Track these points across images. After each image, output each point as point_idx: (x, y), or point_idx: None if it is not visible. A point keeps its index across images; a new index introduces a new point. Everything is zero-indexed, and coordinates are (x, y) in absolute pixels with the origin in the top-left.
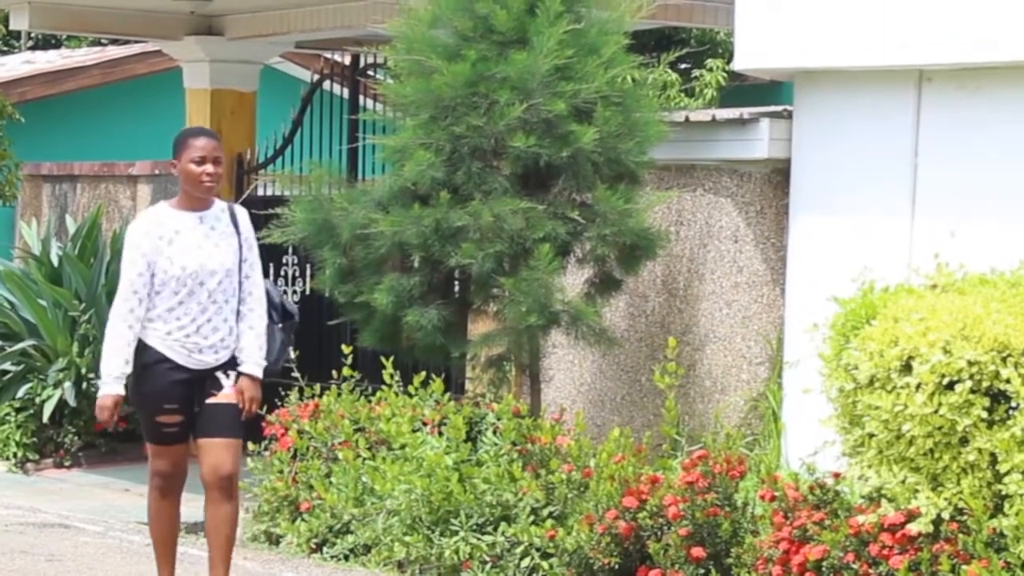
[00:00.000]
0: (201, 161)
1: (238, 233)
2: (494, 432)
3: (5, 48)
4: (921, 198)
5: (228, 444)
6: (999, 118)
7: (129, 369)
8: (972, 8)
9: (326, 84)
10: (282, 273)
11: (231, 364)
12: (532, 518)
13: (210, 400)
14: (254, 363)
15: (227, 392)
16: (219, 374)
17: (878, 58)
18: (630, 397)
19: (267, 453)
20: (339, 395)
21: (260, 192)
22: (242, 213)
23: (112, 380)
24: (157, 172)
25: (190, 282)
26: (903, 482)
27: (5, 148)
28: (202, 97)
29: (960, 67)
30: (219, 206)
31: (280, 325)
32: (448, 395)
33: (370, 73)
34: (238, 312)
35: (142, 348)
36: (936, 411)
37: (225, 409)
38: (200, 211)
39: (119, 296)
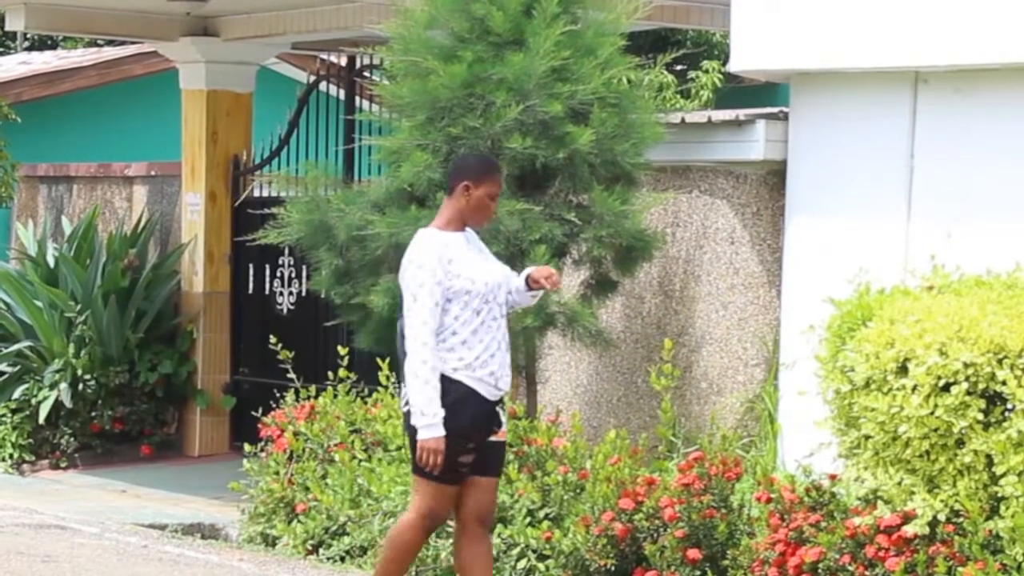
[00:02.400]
0: (495, 198)
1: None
2: None
3: (1, 49)
4: (917, 200)
5: (496, 484)
6: (995, 120)
7: (443, 410)
8: (968, 10)
9: (322, 85)
10: (278, 274)
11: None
12: (528, 520)
13: (493, 438)
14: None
15: (503, 429)
16: (499, 409)
17: (874, 60)
18: (626, 399)
19: (263, 455)
20: (335, 396)
21: (256, 193)
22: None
23: (438, 422)
24: (153, 173)
25: (490, 297)
26: (899, 484)
27: (1, 149)
28: (198, 98)
29: (956, 69)
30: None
31: None
32: None
33: (366, 74)
34: None
35: (448, 382)
36: (932, 413)
37: (501, 448)
38: (464, 232)
39: (420, 330)
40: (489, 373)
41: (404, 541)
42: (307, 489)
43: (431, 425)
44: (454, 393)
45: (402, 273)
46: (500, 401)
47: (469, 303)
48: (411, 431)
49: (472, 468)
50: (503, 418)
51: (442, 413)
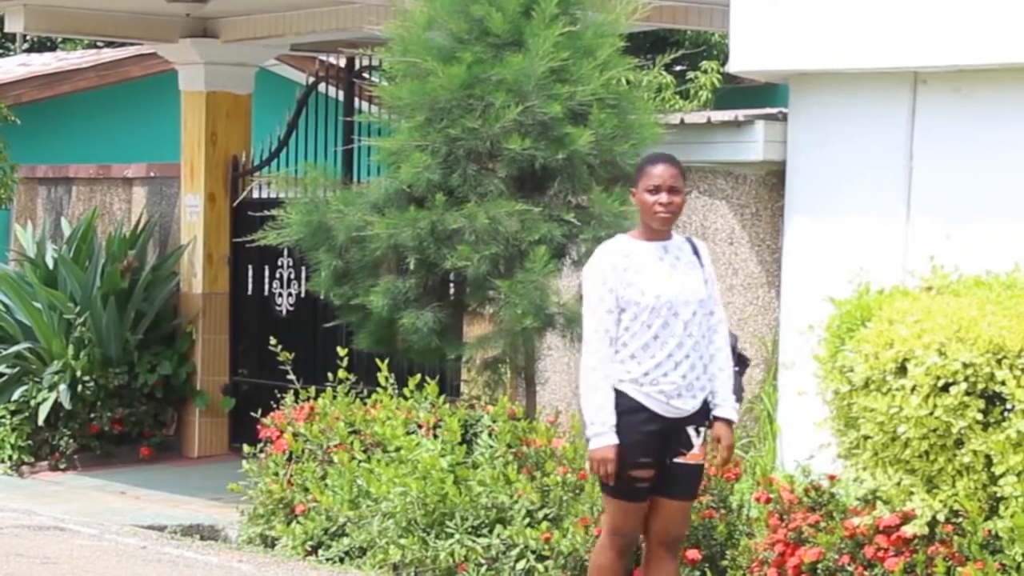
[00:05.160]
0: (655, 190)
1: (701, 266)
2: (489, 434)
3: (1, 51)
4: (916, 200)
5: (686, 507)
6: (994, 120)
7: (615, 417)
8: (966, 10)
9: (321, 86)
10: (277, 275)
11: (702, 414)
12: (527, 520)
13: (679, 459)
14: (731, 407)
15: (695, 452)
16: (690, 429)
17: (873, 60)
18: None
19: (263, 456)
20: (334, 397)
21: (255, 194)
22: (703, 247)
23: (607, 430)
24: (152, 175)
25: (665, 312)
26: (898, 484)
27: (0, 151)
28: (197, 99)
29: (955, 69)
30: (679, 238)
31: (736, 369)
32: (443, 397)
33: (365, 75)
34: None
35: (615, 394)
36: (931, 413)
37: (692, 471)
38: (663, 241)
39: (591, 338)
40: (659, 391)
41: (598, 564)
42: (306, 490)
43: (600, 434)
44: (621, 405)
45: (582, 276)
46: (692, 421)
47: (638, 315)
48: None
49: (657, 488)
50: (695, 440)
51: (612, 421)
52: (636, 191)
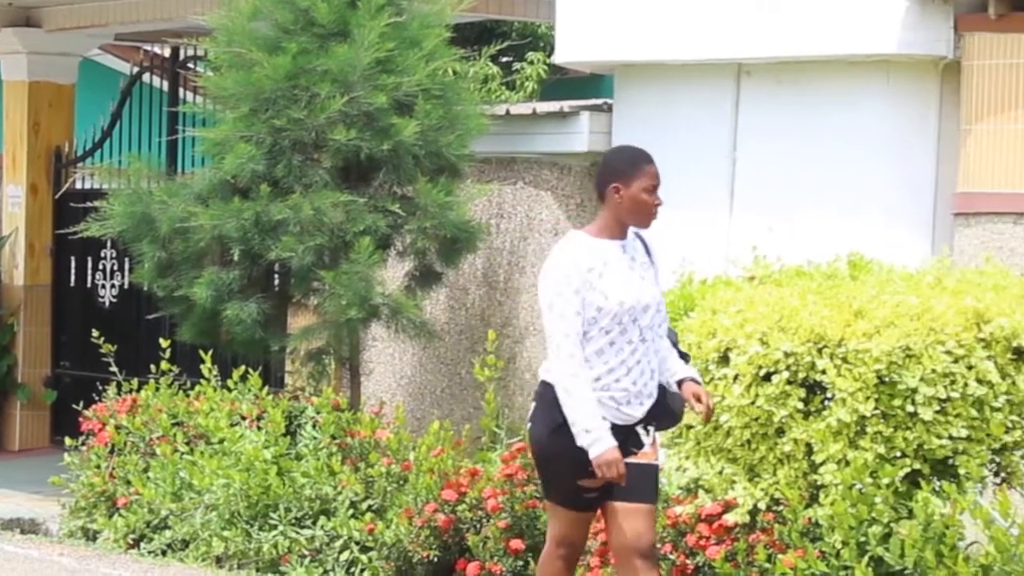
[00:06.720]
0: (653, 189)
1: (652, 265)
2: (313, 426)
3: None
4: (740, 191)
5: (648, 511)
6: (816, 111)
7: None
8: (788, 2)
9: (146, 77)
10: (100, 267)
11: (649, 417)
12: (351, 512)
13: (630, 460)
14: (688, 368)
15: (647, 451)
16: (639, 429)
17: (697, 52)
18: (450, 390)
19: (84, 449)
20: (157, 390)
21: (79, 185)
22: (652, 242)
23: (604, 434)
24: None
25: (625, 318)
26: (720, 473)
27: None
28: (20, 89)
29: (778, 61)
30: (629, 234)
31: None
32: (267, 389)
33: (190, 66)
34: None
35: None
36: (753, 402)
37: (646, 471)
38: (622, 240)
39: (563, 343)
40: (610, 396)
41: (546, 574)
42: (128, 483)
43: (598, 440)
44: None
45: (540, 278)
46: (643, 423)
47: (598, 320)
48: (540, 454)
49: (616, 494)
50: (646, 439)
51: (606, 425)
52: (623, 188)
